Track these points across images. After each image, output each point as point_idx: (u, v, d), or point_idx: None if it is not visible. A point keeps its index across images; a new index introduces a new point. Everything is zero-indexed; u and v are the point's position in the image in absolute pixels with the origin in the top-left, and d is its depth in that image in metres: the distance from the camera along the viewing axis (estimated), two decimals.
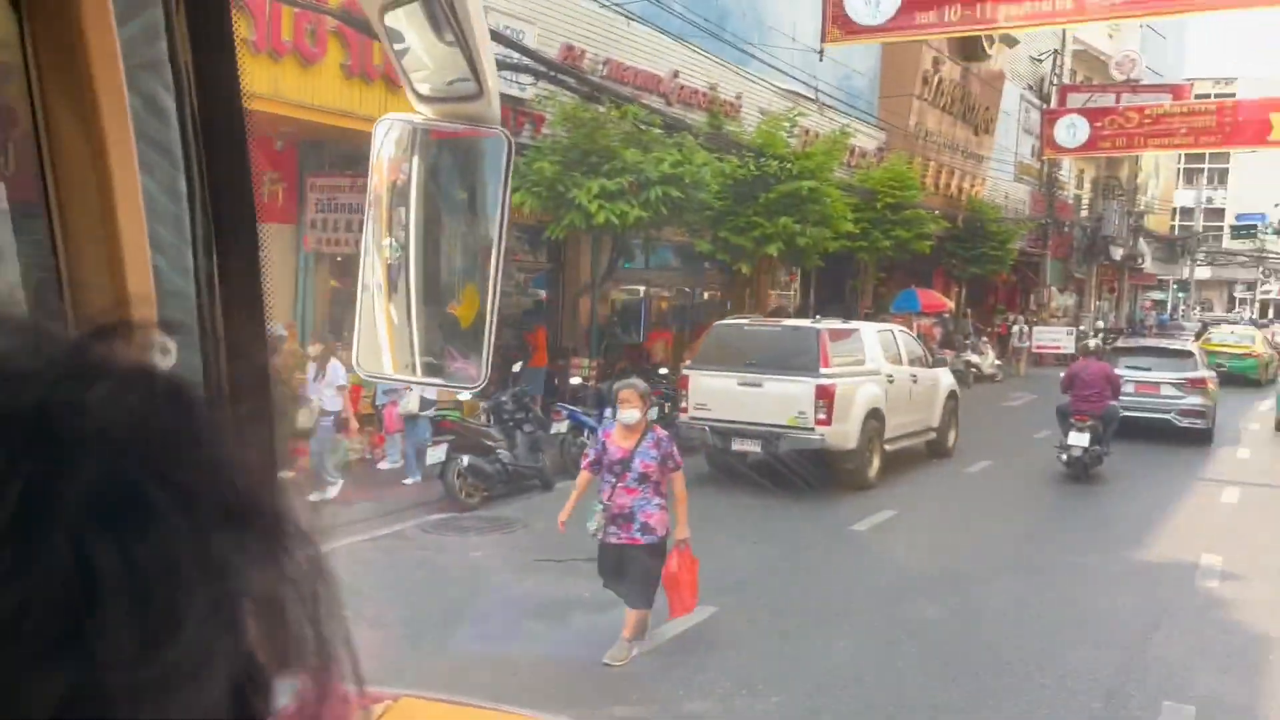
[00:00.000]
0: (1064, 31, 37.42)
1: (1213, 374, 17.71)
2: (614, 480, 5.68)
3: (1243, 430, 18.66)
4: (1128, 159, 43.40)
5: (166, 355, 0.58)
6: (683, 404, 11.59)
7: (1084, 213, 40.03)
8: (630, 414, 5.78)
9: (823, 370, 10.91)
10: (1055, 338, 32.48)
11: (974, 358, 25.24)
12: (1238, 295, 73.48)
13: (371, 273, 1.30)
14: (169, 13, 0.79)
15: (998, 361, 26.68)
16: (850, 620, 6.96)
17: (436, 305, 1.33)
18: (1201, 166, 71.75)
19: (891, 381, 12.10)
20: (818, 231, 16.38)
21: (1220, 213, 69.67)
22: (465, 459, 9.70)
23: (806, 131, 18.58)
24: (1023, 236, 32.13)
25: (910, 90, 22.95)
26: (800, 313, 23.45)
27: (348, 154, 11.60)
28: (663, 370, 13.88)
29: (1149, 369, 16.30)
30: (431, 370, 1.38)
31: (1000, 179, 30.50)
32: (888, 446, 11.99)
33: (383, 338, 1.34)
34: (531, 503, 10.04)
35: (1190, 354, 17.20)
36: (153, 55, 0.78)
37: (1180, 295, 57.57)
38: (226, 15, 0.83)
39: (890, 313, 22.45)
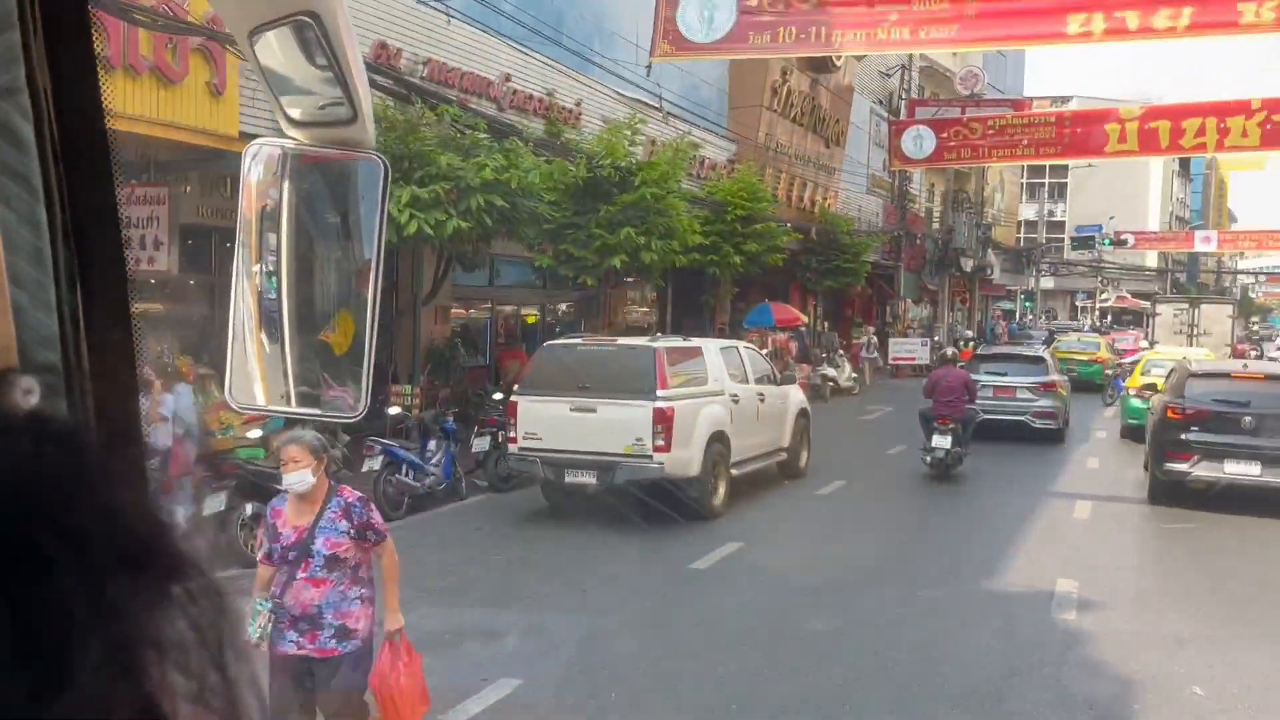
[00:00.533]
0: None
1: (1064, 378, 18.85)
2: (291, 571, 4.07)
3: (1091, 437, 18.75)
4: (974, 173, 44.59)
5: (29, 396, 0.55)
6: (511, 433, 10.52)
7: (935, 225, 40.80)
8: (299, 478, 4.09)
9: (660, 392, 10.02)
10: (911, 349, 32.77)
11: (831, 371, 24.98)
12: (1079, 304, 76.75)
13: (242, 301, 1.28)
14: (26, 35, 0.74)
15: (854, 375, 26.53)
16: (678, 687, 6.02)
17: (310, 333, 1.34)
18: (1042, 181, 74.95)
19: (737, 401, 11.31)
20: (664, 244, 15.59)
21: (1061, 225, 72.77)
22: (249, 507, 8.39)
23: (653, 142, 17.85)
24: (876, 249, 32.31)
25: (759, 102, 22.54)
26: (659, 329, 22.75)
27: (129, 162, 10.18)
28: (497, 395, 12.77)
29: (1005, 374, 17.28)
30: (307, 400, 1.36)
31: (853, 192, 30.58)
32: (735, 471, 11.20)
33: (254, 368, 1.33)
34: None
35: (1043, 360, 18.31)
36: (8, 81, 0.74)
37: (1028, 305, 59.60)
38: (87, 37, 0.79)
39: (745, 328, 21.90)
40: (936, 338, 37.45)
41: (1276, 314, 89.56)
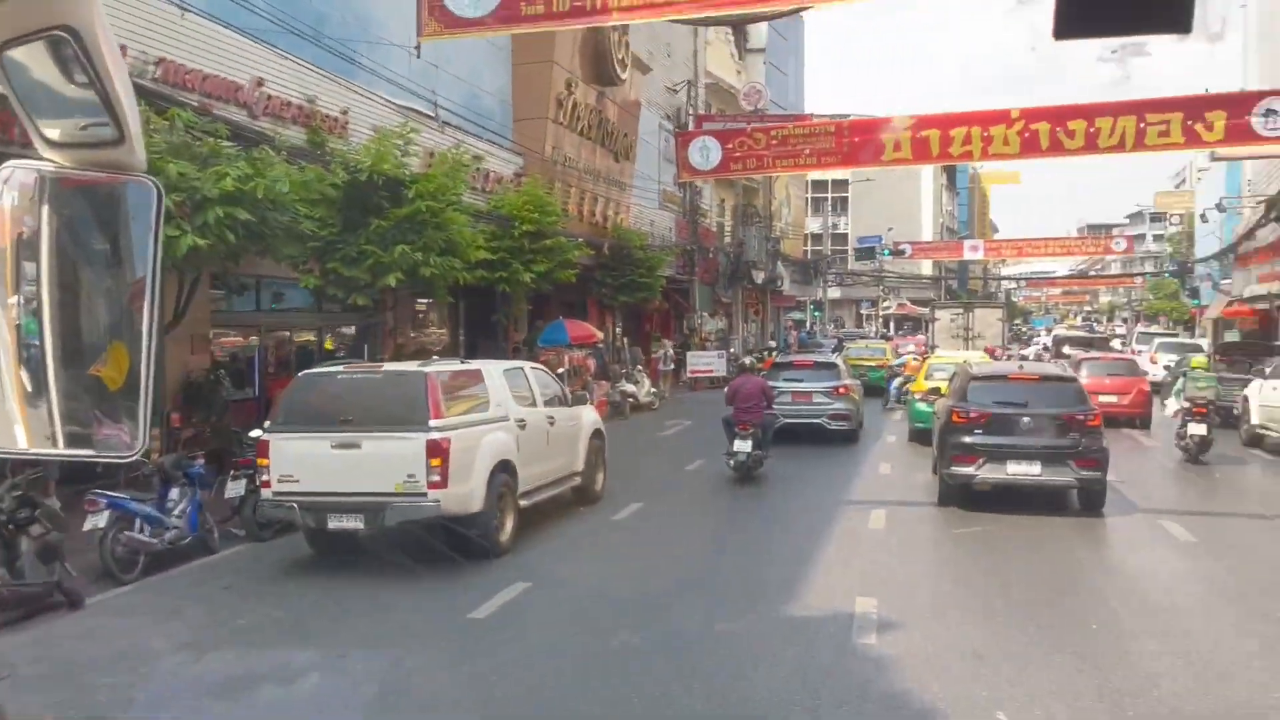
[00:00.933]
0: (696, 64, 38.64)
1: (856, 382, 20.17)
2: None
3: (882, 441, 19.07)
4: (762, 188, 45.76)
5: None
6: (265, 475, 9.31)
7: (727, 239, 41.45)
8: None
9: (434, 422, 9.08)
10: (708, 362, 32.96)
11: (630, 387, 24.58)
12: (864, 312, 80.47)
13: None
14: None
15: (654, 390, 26.28)
16: None
17: (79, 367, 1.28)
18: (825, 195, 78.20)
19: (524, 427, 10.52)
20: (445, 261, 14.62)
21: (845, 238, 76.07)
22: None
23: (431, 153, 16.85)
24: (671, 263, 32.33)
25: (544, 114, 21.91)
26: (452, 352, 21.63)
27: None
28: (255, 432, 11.43)
29: (802, 380, 18.43)
30: (77, 440, 1.30)
31: (645, 206, 30.46)
32: (523, 502, 10.38)
33: (14, 408, 1.27)
34: (42, 632, 7.38)
35: (835, 365, 19.50)
36: None
37: (817, 314, 61.79)
38: None
39: (539, 346, 21.15)
40: (732, 349, 37.97)
41: (1036, 315, 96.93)
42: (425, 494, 8.97)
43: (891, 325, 70.95)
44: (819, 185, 77.09)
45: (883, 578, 8.73)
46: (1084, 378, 17.82)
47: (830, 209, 75.56)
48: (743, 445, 13.67)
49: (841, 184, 79.08)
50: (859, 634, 7.13)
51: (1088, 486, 11.38)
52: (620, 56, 24.56)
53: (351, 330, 18.30)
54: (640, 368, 26.97)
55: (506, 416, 10.30)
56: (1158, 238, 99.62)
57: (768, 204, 45.57)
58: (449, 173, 14.94)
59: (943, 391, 17.32)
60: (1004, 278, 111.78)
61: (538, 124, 21.78)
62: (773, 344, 41.62)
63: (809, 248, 66.60)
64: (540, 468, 10.96)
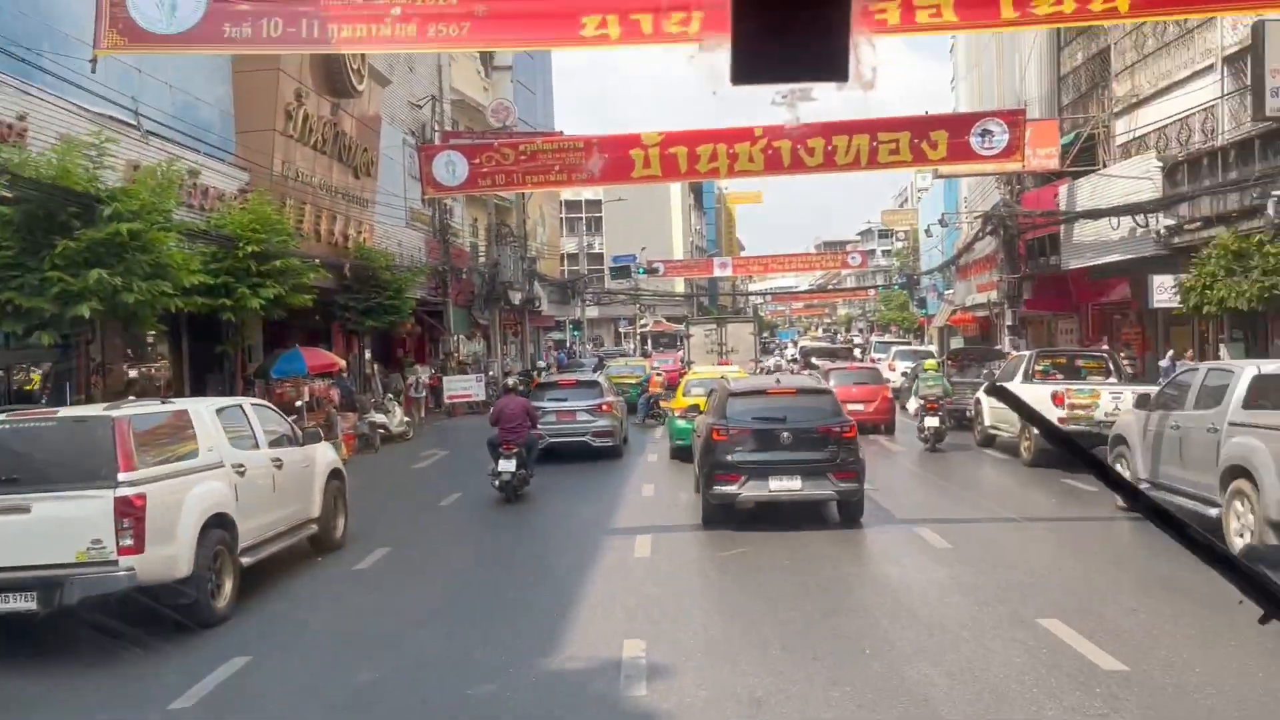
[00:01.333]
0: (440, 79, 37.46)
1: (619, 399, 20.48)
2: None
3: (644, 460, 18.70)
4: (515, 207, 45.06)
5: None
6: None
7: (481, 259, 40.41)
8: None
9: (124, 475, 7.64)
10: (465, 386, 31.78)
11: (380, 418, 23.09)
12: (622, 330, 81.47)
13: None
14: None
15: (407, 418, 24.87)
16: None
17: None
18: (580, 215, 78.72)
19: (243, 473, 9.17)
20: (152, 286, 12.87)
21: (600, 257, 76.74)
22: None
23: (136, 166, 14.93)
24: (422, 284, 30.96)
25: (271, 125, 20.17)
26: (174, 389, 19.46)
27: None
28: None
29: (565, 399, 18.68)
30: None
31: (391, 225, 28.96)
32: (245, 560, 9.03)
33: None
34: None
35: (598, 384, 19.74)
36: None
37: (576, 334, 61.78)
38: None
39: (273, 379, 19.37)
40: (491, 373, 36.94)
41: (782, 328, 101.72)
42: (116, 562, 7.52)
43: (649, 342, 72.06)
44: (573, 205, 77.52)
45: (651, 615, 8.10)
46: (832, 388, 19.12)
47: (585, 228, 76.10)
48: (507, 465, 13.78)
49: (595, 204, 79.90)
50: (627, 684, 6.44)
51: (846, 499, 11.32)
52: (356, 67, 23.12)
53: (38, 371, 15.92)
54: (391, 396, 25.47)
55: (221, 462, 8.93)
56: (886, 253, 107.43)
57: (522, 223, 44.88)
58: (156, 189, 13.19)
59: (701, 408, 17.18)
60: (752, 293, 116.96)
61: (264, 136, 20.00)
62: (543, 364, 40.88)
63: (566, 267, 66.64)
64: (266, 518, 9.64)
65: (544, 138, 22.45)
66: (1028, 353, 17.83)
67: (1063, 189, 27.22)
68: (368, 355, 29.99)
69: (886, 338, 60.68)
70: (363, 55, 23.57)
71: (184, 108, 18.04)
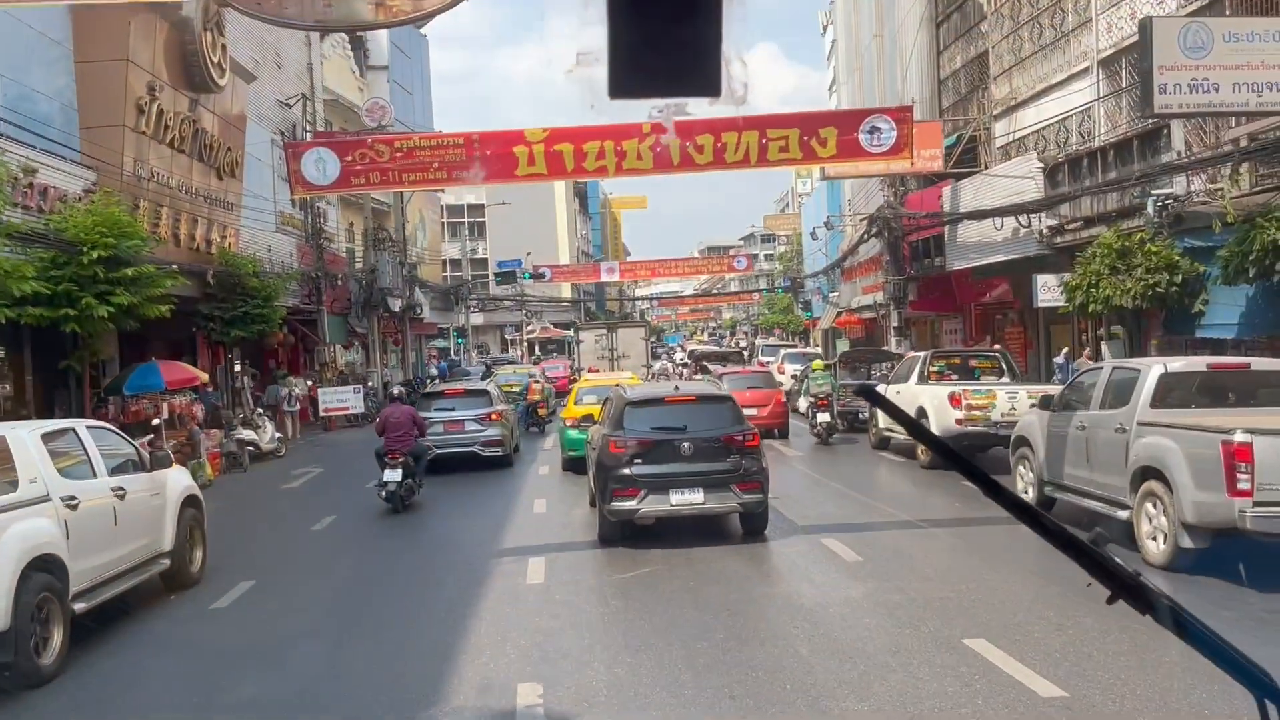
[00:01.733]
0: (311, 77, 35.80)
1: (508, 407, 20.17)
2: None
3: (534, 473, 17.83)
4: (394, 210, 43.51)
5: None
6: None
7: (359, 265, 38.80)
8: None
9: None
10: (344, 399, 30.29)
11: (249, 434, 21.59)
12: (509, 337, 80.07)
13: None
14: None
15: (279, 435, 23.38)
16: None
17: None
18: (462, 220, 77.05)
19: (75, 506, 8.00)
20: None
21: (485, 262, 75.23)
22: None
23: None
24: (293, 292, 29.37)
25: (121, 120, 18.56)
26: (14, 411, 17.77)
27: None
28: None
29: (453, 409, 18.08)
30: None
31: (260, 230, 27.33)
32: (79, 606, 7.85)
33: None
34: None
35: (487, 392, 19.01)
36: None
37: (460, 341, 60.22)
38: None
39: (125, 395, 17.78)
40: (370, 383, 35.43)
41: (669, 333, 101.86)
42: None
43: (537, 349, 71.01)
44: (455, 210, 75.82)
45: (547, 653, 7.29)
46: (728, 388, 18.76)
47: (468, 233, 74.47)
48: (393, 475, 13.52)
49: (478, 208, 78.39)
50: None
51: (751, 510, 10.73)
52: (217, 60, 21.56)
53: None
54: (261, 411, 23.92)
55: (46, 495, 7.74)
56: (769, 257, 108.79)
57: (401, 227, 43.31)
58: None
59: (595, 417, 16.43)
60: (639, 298, 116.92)
61: (113, 132, 18.38)
62: (433, 372, 39.45)
63: (449, 274, 64.98)
64: (106, 556, 8.46)
65: (421, 135, 21.29)
66: (922, 353, 17.69)
67: (946, 190, 27.47)
68: (236, 368, 28.26)
69: (771, 341, 61.19)
70: (224, 48, 22.08)
71: (18, 99, 16.39)
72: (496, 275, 58.23)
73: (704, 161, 19.78)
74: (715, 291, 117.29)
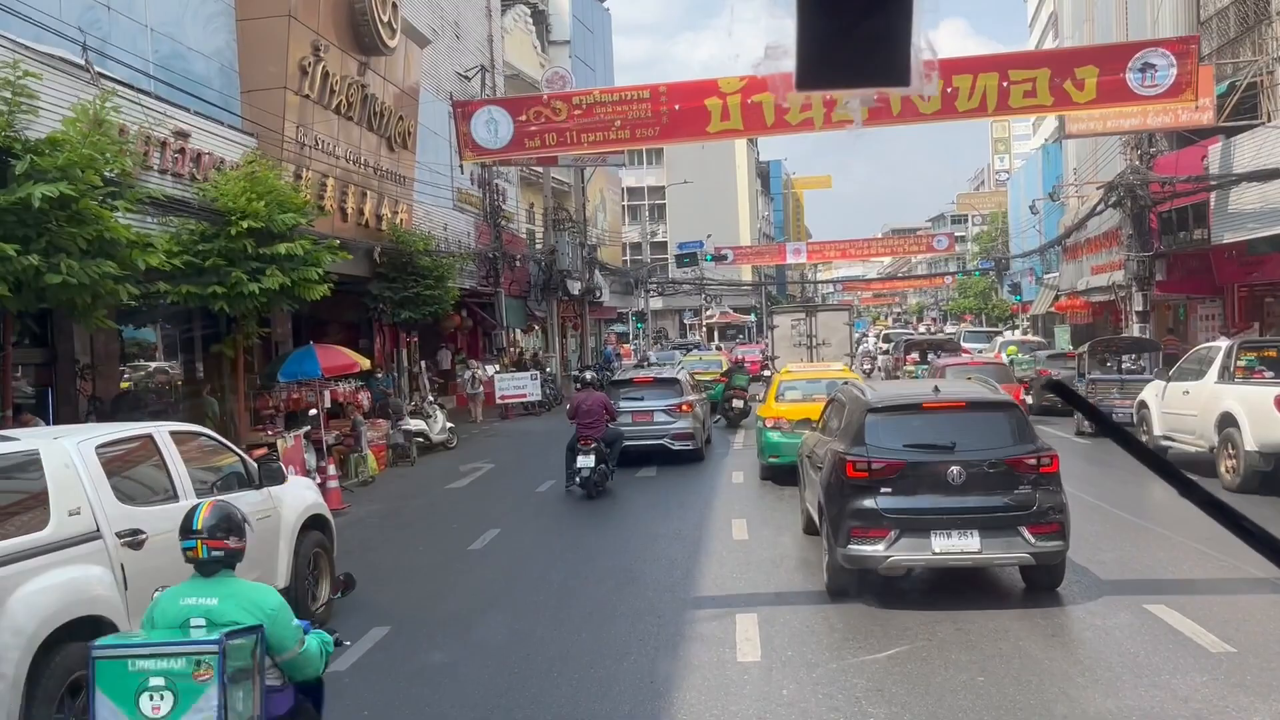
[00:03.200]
0: (491, 50, 34.34)
1: (700, 397, 18.50)
2: None
3: (728, 482, 15.19)
4: (574, 190, 41.85)
5: None
6: None
7: (538, 247, 37.25)
8: None
9: None
10: (520, 385, 28.60)
11: (415, 425, 19.95)
12: (687, 322, 77.90)
13: None
14: None
15: (450, 425, 21.70)
16: None
17: None
18: (642, 203, 75.34)
19: (140, 544, 5.97)
20: (93, 267, 9.82)
21: (664, 245, 73.23)
22: None
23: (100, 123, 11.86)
24: (470, 273, 27.87)
25: (283, 83, 17.06)
26: (178, 397, 16.87)
27: None
28: None
29: (642, 398, 16.95)
30: None
31: (435, 206, 25.87)
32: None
33: None
34: None
35: (678, 381, 17.54)
36: None
37: (640, 326, 58.32)
38: None
39: (279, 383, 16.28)
40: (549, 369, 33.75)
41: (861, 318, 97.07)
42: None
43: (715, 334, 68.59)
44: (634, 193, 74.25)
45: None
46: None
47: (648, 215, 72.65)
48: (585, 461, 13.43)
49: (658, 190, 76.48)
50: None
51: (1045, 562, 7.75)
52: (386, 19, 19.92)
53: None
54: (432, 400, 22.31)
55: (95, 531, 5.71)
56: (960, 238, 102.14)
57: (581, 207, 41.56)
58: (89, 137, 10.10)
59: (794, 418, 13.76)
60: (821, 281, 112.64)
61: (274, 96, 16.91)
62: (651, 357, 37.81)
63: (628, 258, 63.29)
64: None
65: (602, 90, 18.90)
66: (1224, 342, 13.94)
67: (1214, 148, 23.02)
68: (417, 353, 27.01)
69: (964, 327, 56.48)
70: (394, 5, 20.42)
71: (171, 57, 15.03)
72: (678, 257, 55.79)
73: (930, 110, 16.72)
74: (901, 275, 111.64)
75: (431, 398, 21.63)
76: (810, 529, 10.32)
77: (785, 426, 14.04)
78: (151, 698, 3.57)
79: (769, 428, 14.35)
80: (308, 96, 17.81)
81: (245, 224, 13.75)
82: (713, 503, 13.33)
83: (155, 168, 13.82)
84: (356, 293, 21.77)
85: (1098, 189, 28.45)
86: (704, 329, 72.78)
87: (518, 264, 32.03)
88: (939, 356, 24.59)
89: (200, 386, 16.86)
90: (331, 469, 14.68)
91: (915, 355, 28.63)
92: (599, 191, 49.35)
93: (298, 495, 8.24)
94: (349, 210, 19.78)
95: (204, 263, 13.52)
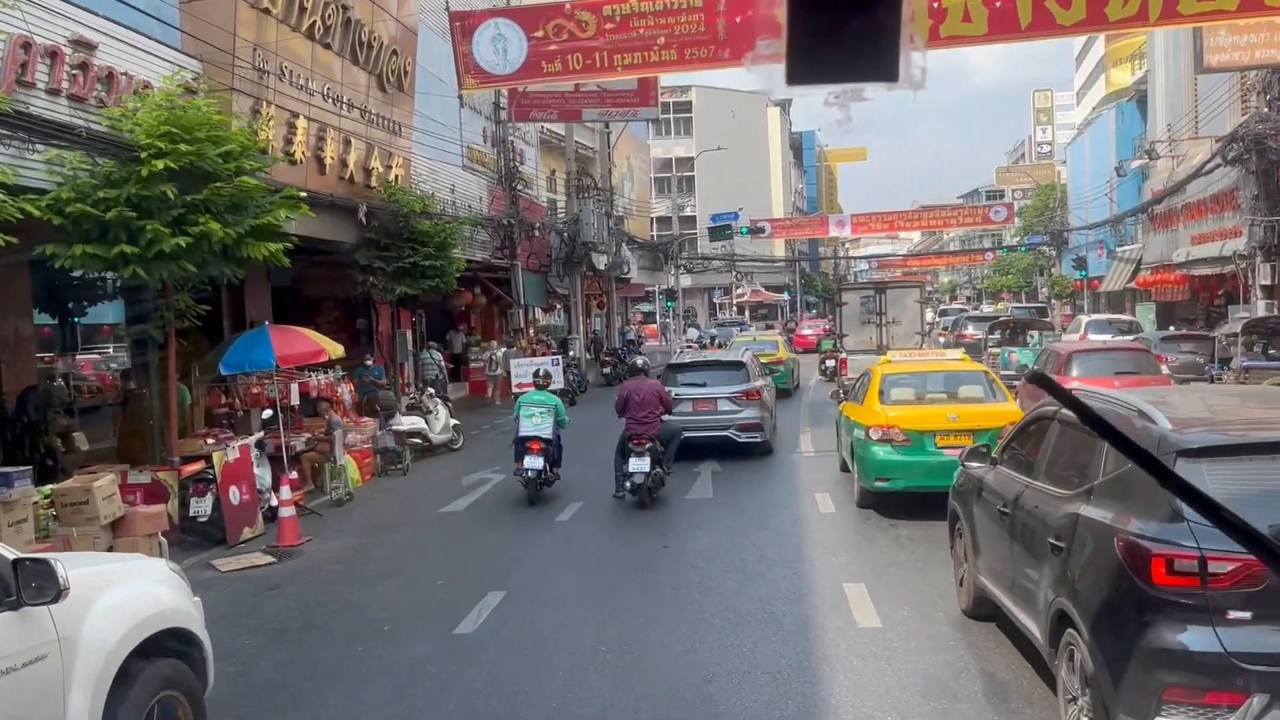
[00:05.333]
0: None
1: (767, 382, 16.71)
2: None
3: (813, 514, 11.38)
4: (599, 156, 37.97)
5: None
6: None
7: (560, 217, 33.49)
8: None
9: None
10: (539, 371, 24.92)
11: (410, 423, 16.34)
12: (717, 301, 73.98)
13: None
14: None
15: (455, 421, 18.03)
16: None
17: None
18: (670, 174, 71.40)
19: None
20: None
21: (693, 220, 69.26)
22: None
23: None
24: (481, 243, 24.24)
25: None
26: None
27: None
28: None
29: (704, 384, 15.27)
30: None
31: (442, 163, 22.18)
32: None
33: None
34: None
35: (742, 365, 15.77)
36: None
37: (669, 305, 54.41)
38: None
39: (220, 375, 12.65)
40: (572, 353, 30.07)
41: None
42: None
43: (747, 313, 64.77)
44: (662, 166, 70.32)
45: None
46: (1075, 380, 13.18)
47: (676, 188, 68.68)
48: (639, 465, 11.49)
49: (686, 162, 72.34)
50: None
51: None
52: None
53: None
54: (432, 392, 18.64)
55: None
56: (996, 213, 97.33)
57: (607, 173, 37.64)
58: None
59: (934, 430, 10.10)
60: (855, 257, 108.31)
61: (223, 5, 13.19)
62: (713, 333, 35.07)
63: (655, 233, 59.36)
64: None
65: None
66: None
67: None
68: (423, 333, 23.45)
69: (1001, 306, 52.31)
70: None
71: None
72: (710, 230, 51.66)
73: (1071, 21, 12.83)
74: (934, 252, 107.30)
75: (431, 390, 17.91)
76: (981, 612, 6.62)
77: (898, 438, 10.36)
78: (532, 416, 11.95)
79: (874, 440, 10.54)
80: (268, 11, 14.08)
81: (162, 164, 10.09)
82: (804, 548, 9.56)
83: (42, 86, 10.18)
84: (346, 265, 18.18)
85: (1216, 141, 24.31)
86: (734, 308, 68.99)
87: (536, 233, 28.23)
88: (1026, 337, 21.09)
89: (142, 381, 13.29)
90: (286, 491, 11.05)
91: (998, 336, 25.17)
92: (625, 158, 45.46)
93: (126, 602, 4.56)
94: (327, 160, 16.09)
95: (104, 214, 9.90)
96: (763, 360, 19.77)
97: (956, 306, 51.54)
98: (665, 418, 12.24)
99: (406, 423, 16.14)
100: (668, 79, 44.96)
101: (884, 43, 1.39)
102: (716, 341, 29.35)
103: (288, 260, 12.11)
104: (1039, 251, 56.85)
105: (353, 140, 16.92)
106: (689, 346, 31.60)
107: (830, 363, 25.60)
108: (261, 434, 12.17)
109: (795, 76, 1.42)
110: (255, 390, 13.74)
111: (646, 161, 55.84)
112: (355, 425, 15.38)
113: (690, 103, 74.71)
